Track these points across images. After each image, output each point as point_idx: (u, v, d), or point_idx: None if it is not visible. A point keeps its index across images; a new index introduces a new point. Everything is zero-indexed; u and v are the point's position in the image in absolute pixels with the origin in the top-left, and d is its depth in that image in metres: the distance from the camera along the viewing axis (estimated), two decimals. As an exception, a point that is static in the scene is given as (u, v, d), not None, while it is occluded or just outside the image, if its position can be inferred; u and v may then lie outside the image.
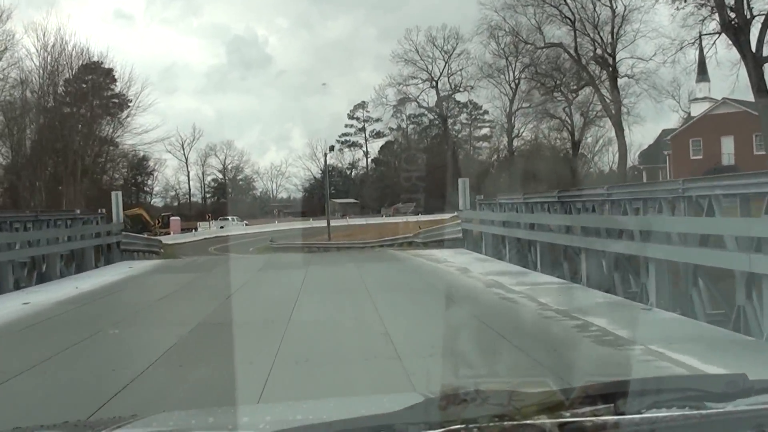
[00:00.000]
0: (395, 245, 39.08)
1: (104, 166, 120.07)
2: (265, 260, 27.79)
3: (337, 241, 63.84)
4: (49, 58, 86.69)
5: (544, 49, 77.06)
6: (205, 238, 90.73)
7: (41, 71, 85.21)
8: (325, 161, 73.79)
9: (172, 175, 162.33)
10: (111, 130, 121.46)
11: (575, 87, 79.37)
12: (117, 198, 30.43)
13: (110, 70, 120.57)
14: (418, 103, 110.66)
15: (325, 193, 78.91)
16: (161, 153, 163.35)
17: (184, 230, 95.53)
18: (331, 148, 66.80)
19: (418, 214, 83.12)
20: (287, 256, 32.67)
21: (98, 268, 25.68)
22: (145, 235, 74.59)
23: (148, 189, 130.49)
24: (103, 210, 29.76)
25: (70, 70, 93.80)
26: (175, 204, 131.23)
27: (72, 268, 24.95)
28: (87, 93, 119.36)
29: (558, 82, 79.73)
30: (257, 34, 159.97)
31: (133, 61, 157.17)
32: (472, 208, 27.72)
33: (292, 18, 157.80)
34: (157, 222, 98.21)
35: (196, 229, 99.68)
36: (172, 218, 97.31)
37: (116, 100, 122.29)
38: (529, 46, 79.91)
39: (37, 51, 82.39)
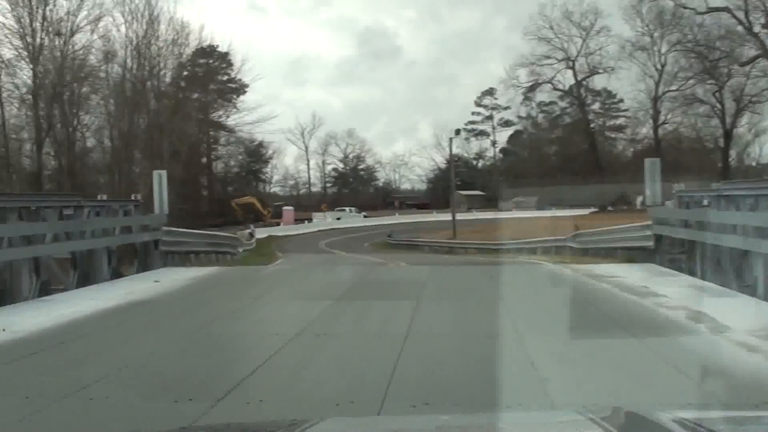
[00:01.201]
0: (540, 251, 29.49)
1: (215, 152, 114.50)
2: (360, 275, 18.33)
3: (464, 239, 54.70)
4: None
5: (704, 15, 66.14)
6: (319, 231, 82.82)
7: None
8: (450, 147, 64.06)
9: (292, 164, 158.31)
10: (225, 115, 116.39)
11: (744, 60, 67.98)
12: (161, 179, 21.31)
13: (226, 54, 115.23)
14: (552, 84, 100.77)
15: (450, 183, 69.61)
16: (281, 141, 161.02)
17: (297, 221, 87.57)
18: (457, 132, 57.85)
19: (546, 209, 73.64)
20: (396, 270, 22.83)
21: (108, 282, 17.05)
22: (244, 230, 67.32)
23: (265, 177, 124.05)
24: (138, 196, 21.02)
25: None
26: (294, 194, 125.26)
27: (73, 279, 16.57)
28: (202, 77, 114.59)
29: (719, 55, 68.62)
30: (386, 25, 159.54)
31: (263, 52, 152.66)
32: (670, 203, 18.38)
33: (421, 9, 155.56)
34: (268, 211, 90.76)
35: (310, 220, 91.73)
36: (284, 208, 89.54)
37: (233, 85, 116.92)
38: (680, 18, 69.56)
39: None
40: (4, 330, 10.48)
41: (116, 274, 18.55)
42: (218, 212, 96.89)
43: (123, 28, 67.78)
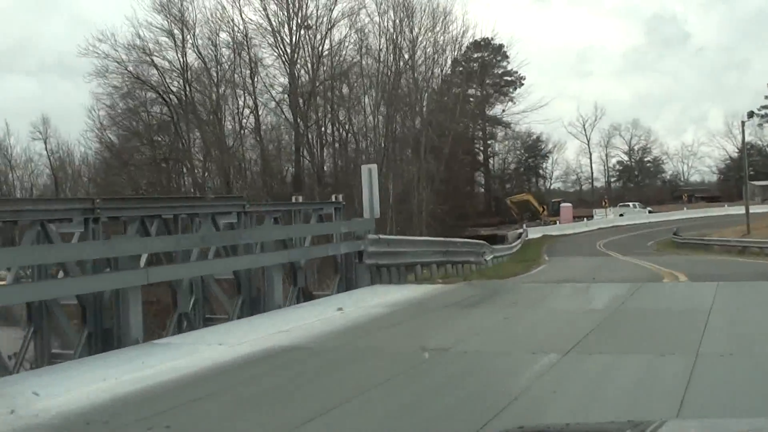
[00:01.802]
0: None
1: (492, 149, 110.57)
2: (620, 300, 13.13)
3: (760, 236, 47.36)
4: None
5: None
6: (599, 229, 76.83)
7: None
8: (743, 133, 56.00)
9: (574, 159, 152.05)
10: (501, 110, 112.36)
11: None
12: (370, 175, 17.19)
13: (500, 47, 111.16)
14: None
15: (743, 173, 61.69)
16: (562, 135, 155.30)
17: (576, 218, 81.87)
18: (750, 115, 51.24)
19: None
20: (671, 288, 17.33)
21: (284, 309, 13.09)
22: (515, 230, 62.64)
23: (544, 173, 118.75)
24: (340, 197, 16.90)
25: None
26: (576, 189, 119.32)
27: (235, 307, 12.85)
28: (477, 71, 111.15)
29: None
30: (674, 11, 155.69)
31: (544, 44, 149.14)
32: None
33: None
34: (543, 209, 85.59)
35: (590, 217, 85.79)
36: (562, 205, 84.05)
37: (509, 78, 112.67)
38: None
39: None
40: (12, 412, 6.61)
41: (306, 297, 14.72)
42: (495, 211, 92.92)
43: (377, 19, 65.15)
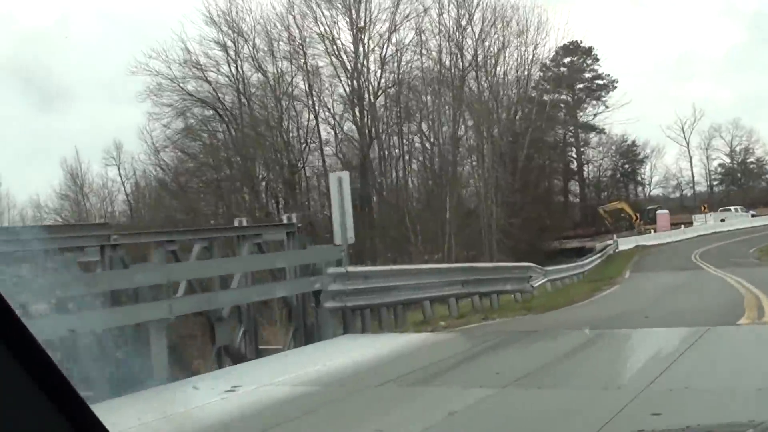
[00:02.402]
0: None
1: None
2: (681, 349, 8.52)
3: None
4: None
5: None
6: (698, 236, 70.58)
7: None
8: None
9: (674, 163, 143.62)
10: (593, 115, 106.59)
11: None
12: (341, 186, 12.80)
13: (590, 49, 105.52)
14: None
15: None
16: (660, 139, 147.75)
17: (674, 226, 75.55)
18: None
19: None
20: (749, 336, 12.37)
21: (183, 382, 8.93)
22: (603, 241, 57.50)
23: (642, 179, 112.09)
24: (294, 217, 12.45)
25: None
26: (677, 195, 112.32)
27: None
28: (568, 77, 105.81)
29: None
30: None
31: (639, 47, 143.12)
32: None
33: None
34: (636, 217, 79.46)
35: (690, 224, 79.39)
36: (658, 212, 77.94)
37: (600, 81, 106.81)
38: None
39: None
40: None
41: (236, 357, 10.66)
42: (591, 221, 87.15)
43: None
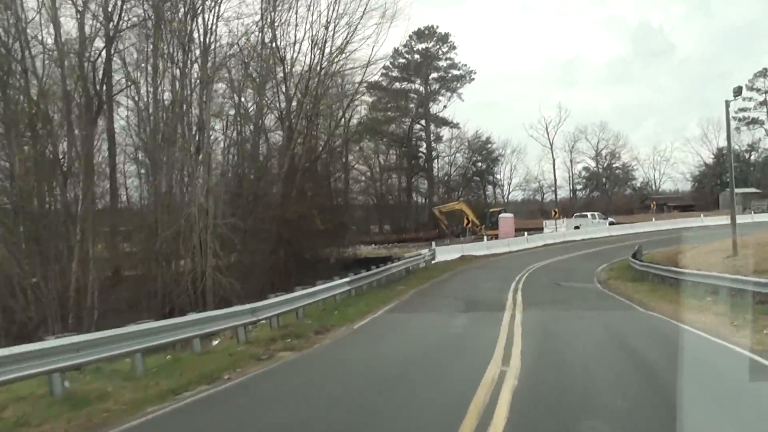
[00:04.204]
0: None
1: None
2: None
3: (754, 261, 29.10)
4: None
5: None
6: (544, 245, 58.65)
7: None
8: (727, 117, 37.14)
9: (535, 165, 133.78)
10: (443, 106, 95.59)
11: None
12: None
13: (446, 36, 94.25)
14: None
15: (720, 180, 43.90)
16: (521, 139, 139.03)
17: (519, 231, 63.52)
18: (738, 92, 31.65)
19: None
20: None
21: None
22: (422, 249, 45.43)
23: (495, 180, 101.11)
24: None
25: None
26: (537, 198, 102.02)
27: None
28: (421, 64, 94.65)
29: None
30: (658, 21, 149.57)
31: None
32: None
33: (689, 4, 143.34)
34: (468, 221, 67.09)
35: (541, 230, 68.07)
36: (501, 216, 65.68)
37: (456, 72, 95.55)
38: None
39: None
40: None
41: None
42: (434, 224, 74.69)
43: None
